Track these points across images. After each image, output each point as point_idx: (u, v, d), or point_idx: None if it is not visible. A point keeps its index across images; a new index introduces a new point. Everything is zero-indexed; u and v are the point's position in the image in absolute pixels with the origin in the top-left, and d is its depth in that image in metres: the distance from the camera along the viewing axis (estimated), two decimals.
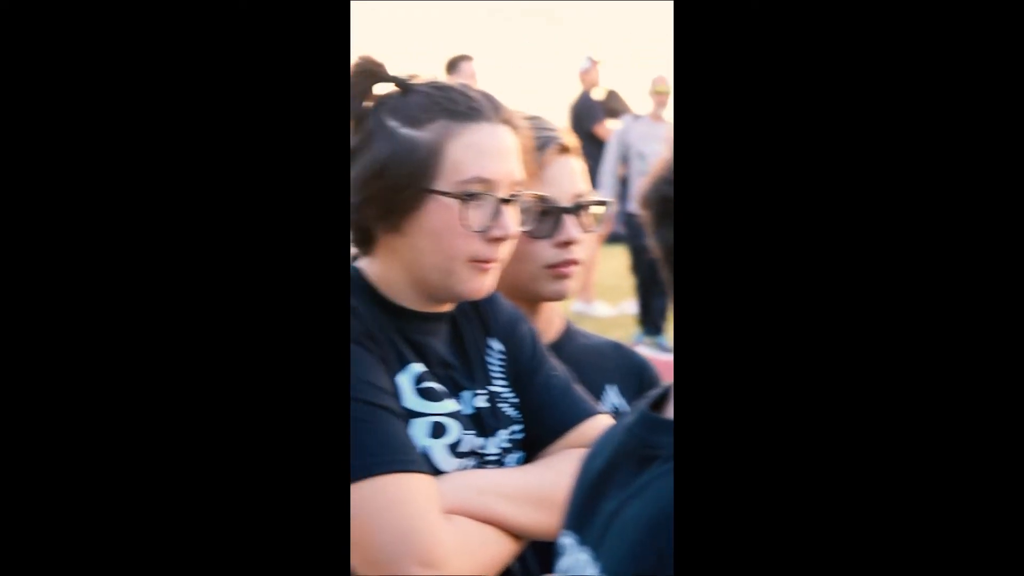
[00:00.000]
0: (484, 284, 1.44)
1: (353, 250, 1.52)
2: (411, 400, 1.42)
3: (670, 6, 1.09)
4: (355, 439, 1.33)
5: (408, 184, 1.40)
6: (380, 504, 1.31)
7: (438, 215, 1.40)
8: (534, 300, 1.72)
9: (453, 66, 7.85)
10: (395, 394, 1.41)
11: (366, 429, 1.34)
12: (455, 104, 1.42)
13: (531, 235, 1.64)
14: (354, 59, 1.46)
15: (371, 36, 10.87)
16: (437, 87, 1.45)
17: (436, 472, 1.40)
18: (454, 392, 1.47)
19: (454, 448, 1.43)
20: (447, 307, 1.51)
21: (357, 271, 1.49)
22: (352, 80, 1.46)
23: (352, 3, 1.15)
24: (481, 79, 7.61)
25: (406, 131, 1.41)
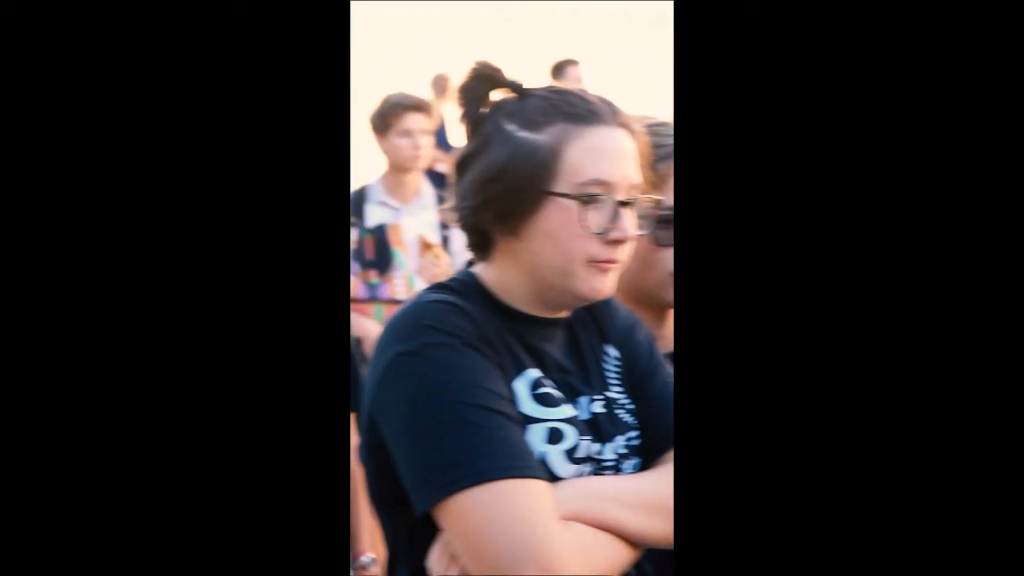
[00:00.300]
0: (605, 284, 1.43)
1: (469, 255, 1.52)
2: (528, 405, 1.42)
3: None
4: (472, 444, 1.32)
5: (527, 186, 1.39)
6: (498, 509, 1.30)
7: (557, 217, 1.39)
8: (661, 307, 1.72)
9: (559, 70, 7.81)
10: (512, 399, 1.40)
11: (483, 434, 1.33)
12: (573, 108, 1.41)
13: (659, 243, 1.64)
14: (472, 65, 1.47)
15: (371, 36, 10.79)
16: (554, 91, 1.44)
17: (553, 478, 1.39)
18: (571, 398, 1.47)
19: (571, 454, 1.42)
20: (564, 313, 1.50)
21: (473, 276, 1.49)
22: (468, 85, 1.46)
23: (352, 3, 1.15)
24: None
25: (524, 134, 1.41)
